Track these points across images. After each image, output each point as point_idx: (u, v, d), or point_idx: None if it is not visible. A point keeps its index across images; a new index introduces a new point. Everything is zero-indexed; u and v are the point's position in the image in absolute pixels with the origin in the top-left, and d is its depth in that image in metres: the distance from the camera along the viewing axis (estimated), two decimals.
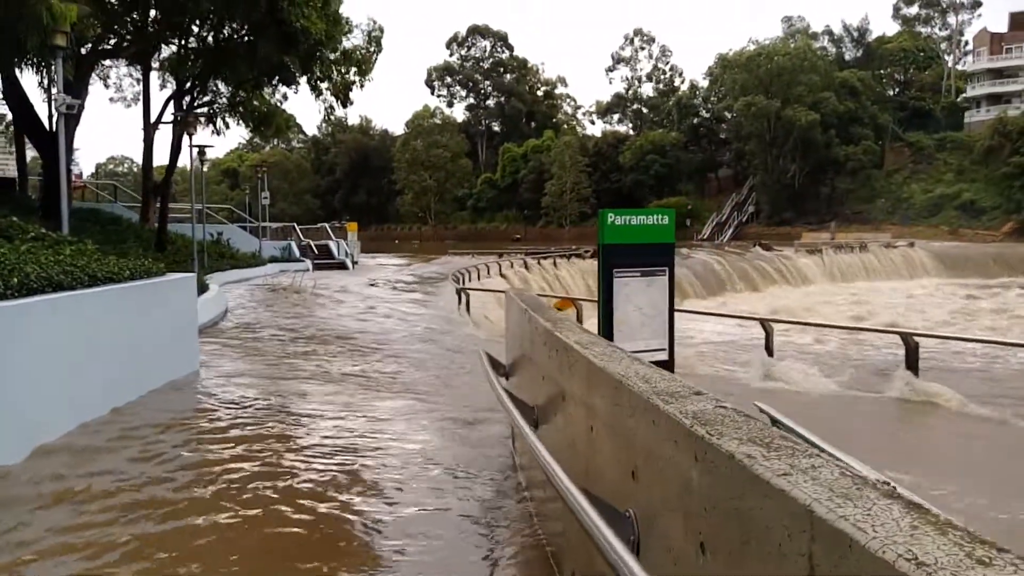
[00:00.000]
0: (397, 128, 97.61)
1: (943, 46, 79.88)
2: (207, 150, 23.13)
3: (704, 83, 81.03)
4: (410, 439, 7.15)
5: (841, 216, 60.29)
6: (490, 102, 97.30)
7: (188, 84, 23.65)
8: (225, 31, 22.23)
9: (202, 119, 23.37)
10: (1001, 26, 72.13)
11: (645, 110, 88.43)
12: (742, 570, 1.91)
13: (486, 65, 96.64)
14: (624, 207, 8.72)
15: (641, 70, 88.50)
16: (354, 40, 23.21)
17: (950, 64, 77.89)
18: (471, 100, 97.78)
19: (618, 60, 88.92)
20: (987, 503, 6.00)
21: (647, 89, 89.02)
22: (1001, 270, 38.89)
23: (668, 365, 8.23)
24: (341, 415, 7.92)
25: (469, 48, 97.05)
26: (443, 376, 10.52)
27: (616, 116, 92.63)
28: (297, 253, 31.93)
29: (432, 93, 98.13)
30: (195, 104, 24.16)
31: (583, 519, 2.42)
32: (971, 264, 40.34)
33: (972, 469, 7.15)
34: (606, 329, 7.79)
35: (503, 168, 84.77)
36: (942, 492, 5.92)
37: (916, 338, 9.49)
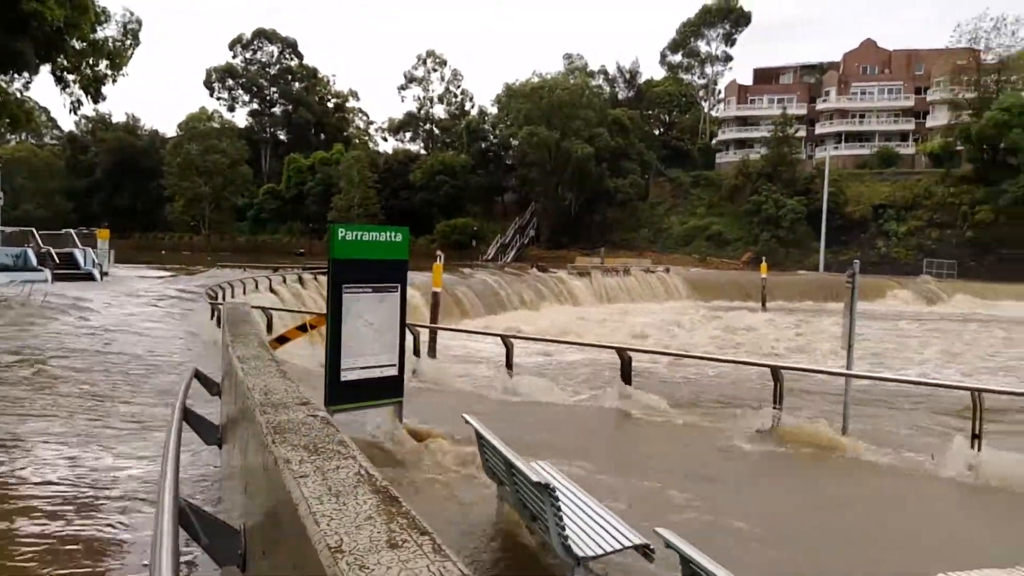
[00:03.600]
0: (171, 130, 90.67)
1: (701, 93, 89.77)
2: None
3: (492, 109, 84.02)
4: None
5: (610, 242, 65.13)
6: (276, 110, 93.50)
7: None
8: None
9: None
10: (748, 79, 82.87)
11: (437, 131, 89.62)
12: (285, 572, 1.97)
13: (273, 71, 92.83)
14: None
15: (433, 91, 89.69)
16: (108, 31, 21.27)
17: (706, 110, 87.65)
18: (255, 106, 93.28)
19: (411, 79, 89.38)
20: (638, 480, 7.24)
21: (439, 110, 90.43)
22: (737, 294, 44.51)
23: (398, 380, 8.36)
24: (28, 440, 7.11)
25: (255, 52, 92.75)
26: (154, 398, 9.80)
27: (408, 135, 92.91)
28: (34, 261, 28.23)
29: (212, 95, 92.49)
30: None
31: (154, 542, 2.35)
32: (714, 288, 45.90)
33: (642, 459, 8.13)
34: (333, 345, 7.74)
35: (288, 179, 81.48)
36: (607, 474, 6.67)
37: (629, 353, 10.54)
